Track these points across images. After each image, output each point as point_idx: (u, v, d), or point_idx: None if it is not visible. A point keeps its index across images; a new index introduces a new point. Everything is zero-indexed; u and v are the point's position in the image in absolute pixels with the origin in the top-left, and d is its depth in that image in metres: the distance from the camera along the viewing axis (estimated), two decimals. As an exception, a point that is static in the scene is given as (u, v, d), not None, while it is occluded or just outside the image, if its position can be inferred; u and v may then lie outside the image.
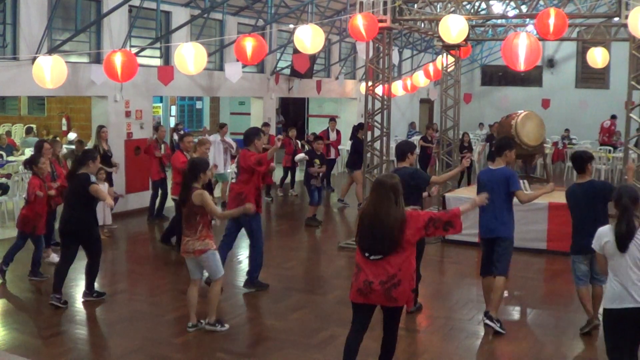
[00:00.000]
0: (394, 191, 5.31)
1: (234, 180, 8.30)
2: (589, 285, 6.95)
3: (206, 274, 7.30)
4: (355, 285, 5.38)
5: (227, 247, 8.42)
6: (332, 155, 16.35)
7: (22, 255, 9.92)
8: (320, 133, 16.11)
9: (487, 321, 7.00)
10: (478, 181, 7.38)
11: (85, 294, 7.93)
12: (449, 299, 8.22)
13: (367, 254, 5.33)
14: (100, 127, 12.01)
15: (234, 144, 13.93)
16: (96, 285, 8.04)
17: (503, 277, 7.03)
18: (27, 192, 8.76)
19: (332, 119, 17.17)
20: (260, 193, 8.33)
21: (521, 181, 11.44)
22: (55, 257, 9.33)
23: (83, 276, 8.06)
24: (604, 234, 5.02)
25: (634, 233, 4.86)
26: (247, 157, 8.11)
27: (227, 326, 6.94)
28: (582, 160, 6.97)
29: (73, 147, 12.35)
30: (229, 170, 13.81)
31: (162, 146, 12.65)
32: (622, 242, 4.87)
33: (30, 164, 8.80)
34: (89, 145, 14.15)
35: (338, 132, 16.75)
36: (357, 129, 14.11)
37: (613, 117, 21.98)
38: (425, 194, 7.78)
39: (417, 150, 17.10)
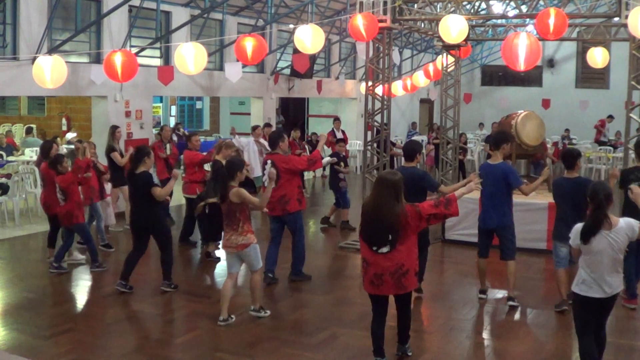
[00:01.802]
0: (395, 188, 5.57)
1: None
2: (567, 270, 7.50)
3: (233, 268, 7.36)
4: (367, 278, 5.72)
5: (276, 248, 8.63)
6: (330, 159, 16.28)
7: (22, 254, 9.95)
8: (328, 134, 16.07)
9: (511, 302, 7.78)
10: (480, 176, 7.77)
11: (164, 284, 8.21)
12: (449, 299, 8.22)
13: (374, 248, 5.62)
14: (115, 127, 11.79)
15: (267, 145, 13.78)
16: (104, 281, 8.06)
17: (514, 261, 7.80)
18: (59, 190, 8.75)
19: (337, 119, 17.15)
20: (302, 191, 8.63)
21: (521, 181, 11.50)
22: (78, 256, 9.39)
23: (90, 277, 8.07)
24: (578, 230, 5.34)
25: (599, 228, 5.21)
26: (292, 162, 8.37)
27: (269, 312, 7.36)
28: (572, 157, 7.45)
29: (72, 147, 12.30)
30: (259, 175, 13.72)
31: (168, 146, 12.53)
32: (586, 235, 5.24)
33: (55, 164, 8.83)
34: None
35: (343, 132, 16.73)
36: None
37: (610, 116, 21.97)
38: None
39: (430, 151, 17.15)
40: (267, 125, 14.94)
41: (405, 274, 5.62)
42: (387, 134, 11.01)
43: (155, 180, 9.62)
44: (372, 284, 5.70)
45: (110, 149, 11.36)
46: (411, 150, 7.78)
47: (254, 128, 14.12)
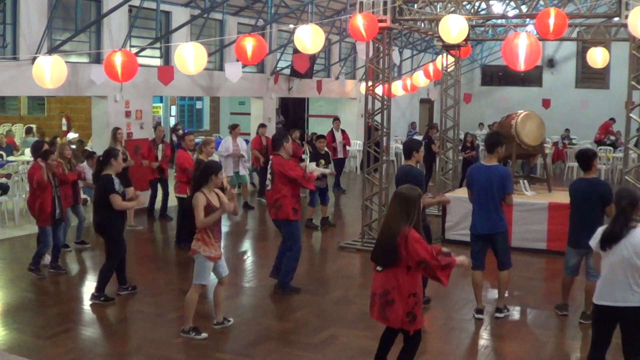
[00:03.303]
0: (407, 203, 5.12)
1: (269, 187, 8.18)
2: (574, 278, 7.41)
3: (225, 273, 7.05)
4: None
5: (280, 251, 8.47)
6: (341, 155, 16.31)
7: (22, 254, 9.94)
8: (327, 134, 16.12)
9: (498, 314, 7.45)
10: (470, 177, 7.47)
11: (92, 296, 7.88)
12: (449, 299, 8.22)
13: (375, 264, 5.26)
14: (116, 129, 11.85)
15: (244, 146, 13.93)
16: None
17: (508, 271, 7.48)
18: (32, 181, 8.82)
19: (336, 119, 17.15)
20: (298, 200, 8.22)
21: (521, 181, 11.49)
22: (47, 258, 9.27)
23: (90, 277, 8.07)
24: (600, 233, 5.16)
25: (621, 236, 4.98)
26: (287, 167, 8.00)
27: (204, 335, 6.72)
28: (587, 158, 7.14)
29: (73, 146, 12.30)
30: (242, 173, 13.81)
31: (160, 146, 12.56)
32: (606, 241, 5.05)
33: (43, 156, 8.85)
34: (89, 145, 14.18)
35: (343, 132, 16.71)
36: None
37: (611, 119, 21.96)
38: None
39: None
40: (262, 125, 14.96)
41: (390, 304, 5.08)
42: (387, 134, 11.00)
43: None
44: (370, 302, 5.35)
45: None
46: (407, 148, 7.68)
47: (234, 127, 14.07)
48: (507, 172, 7.48)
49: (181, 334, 6.73)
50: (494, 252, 7.44)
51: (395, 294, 5.06)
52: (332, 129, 16.48)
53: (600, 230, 5.19)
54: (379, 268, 5.19)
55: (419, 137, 22.32)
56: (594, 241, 5.20)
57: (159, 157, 12.46)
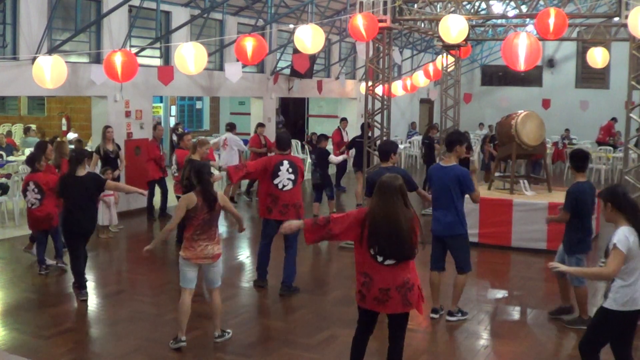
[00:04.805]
0: (402, 193, 5.07)
1: (289, 187, 7.98)
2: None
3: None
4: (370, 294, 5.12)
5: (267, 253, 8.40)
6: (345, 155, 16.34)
7: (22, 254, 9.94)
8: (334, 133, 16.15)
9: (449, 318, 7.25)
10: (429, 177, 7.38)
11: (83, 293, 7.88)
12: (449, 299, 8.20)
13: (380, 259, 5.05)
14: (106, 127, 11.91)
15: (241, 143, 14.11)
16: (104, 282, 8.03)
17: (465, 275, 7.26)
18: (35, 189, 8.72)
19: (344, 119, 17.18)
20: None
21: (521, 181, 11.49)
22: (49, 261, 9.27)
23: (89, 277, 8.09)
24: (629, 233, 4.79)
25: None
26: (299, 161, 8.18)
27: (230, 331, 6.79)
28: (584, 159, 7.15)
29: (72, 146, 12.31)
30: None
31: (160, 147, 12.71)
32: None
33: (32, 161, 8.87)
34: (89, 145, 14.19)
35: (346, 132, 16.78)
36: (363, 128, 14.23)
37: (613, 119, 21.97)
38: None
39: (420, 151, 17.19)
40: (261, 125, 14.98)
41: (411, 289, 5.12)
42: (387, 134, 11.00)
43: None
44: (376, 300, 5.10)
45: (96, 150, 11.76)
46: (384, 151, 7.46)
47: (233, 126, 14.09)
48: (463, 172, 7.08)
49: (216, 341, 6.60)
50: (452, 254, 7.25)
51: (413, 279, 5.18)
52: (338, 127, 16.48)
53: (628, 231, 4.78)
54: (389, 262, 5.03)
55: (419, 137, 22.39)
56: (626, 243, 4.73)
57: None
